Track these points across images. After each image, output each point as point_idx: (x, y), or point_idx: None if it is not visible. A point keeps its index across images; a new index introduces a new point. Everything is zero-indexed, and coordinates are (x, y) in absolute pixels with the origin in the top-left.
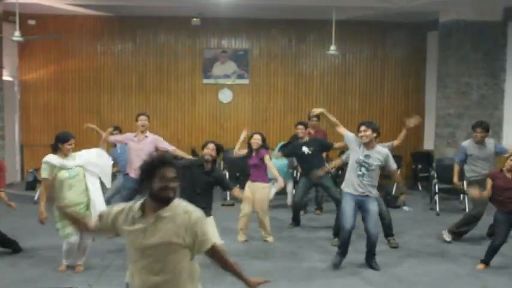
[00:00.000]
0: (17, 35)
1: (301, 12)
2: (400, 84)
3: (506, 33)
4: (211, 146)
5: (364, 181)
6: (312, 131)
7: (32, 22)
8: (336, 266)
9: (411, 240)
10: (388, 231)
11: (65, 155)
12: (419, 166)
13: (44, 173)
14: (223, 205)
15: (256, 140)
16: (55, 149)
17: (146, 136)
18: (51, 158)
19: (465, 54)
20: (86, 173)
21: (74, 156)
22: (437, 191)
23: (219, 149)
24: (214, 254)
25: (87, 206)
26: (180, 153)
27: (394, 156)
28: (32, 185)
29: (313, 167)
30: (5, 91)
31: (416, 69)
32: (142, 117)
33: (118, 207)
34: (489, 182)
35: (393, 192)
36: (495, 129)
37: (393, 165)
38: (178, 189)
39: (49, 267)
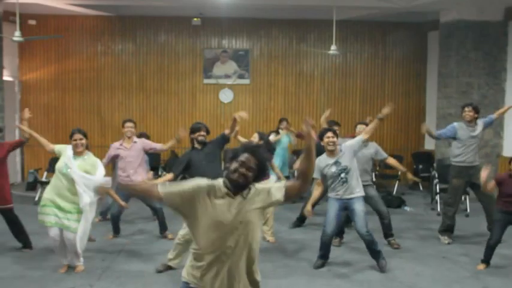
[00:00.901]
0: (17, 35)
1: (302, 12)
2: (400, 84)
3: (507, 32)
4: (203, 128)
5: (350, 185)
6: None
7: (32, 22)
8: (318, 268)
9: (412, 240)
10: (387, 232)
11: (75, 151)
12: (420, 166)
13: (57, 146)
14: None
15: (256, 139)
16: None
17: (135, 142)
18: (67, 147)
19: (466, 54)
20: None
21: (91, 160)
22: (438, 191)
23: (207, 130)
24: (292, 185)
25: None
26: (168, 145)
27: (395, 156)
28: (32, 185)
29: None
30: (6, 91)
31: (417, 69)
32: (128, 124)
33: (191, 184)
34: (493, 183)
35: (394, 193)
36: (496, 129)
37: (380, 155)
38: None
39: (50, 268)
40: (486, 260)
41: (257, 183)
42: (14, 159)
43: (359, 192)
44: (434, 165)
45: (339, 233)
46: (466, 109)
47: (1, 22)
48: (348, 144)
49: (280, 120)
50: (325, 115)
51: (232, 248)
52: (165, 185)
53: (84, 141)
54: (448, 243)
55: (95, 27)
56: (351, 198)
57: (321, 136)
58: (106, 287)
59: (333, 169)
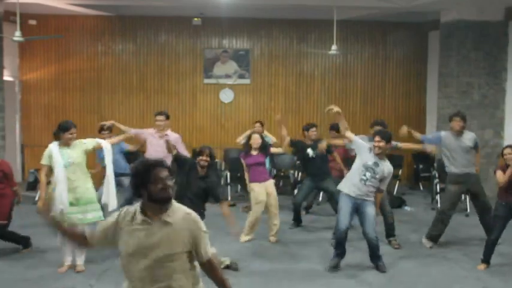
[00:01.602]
0: (17, 35)
1: (303, 12)
2: (401, 84)
3: (507, 32)
4: (206, 152)
5: (366, 186)
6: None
7: (32, 22)
8: (334, 267)
9: (412, 240)
10: (389, 232)
11: (66, 144)
12: (421, 166)
13: (43, 160)
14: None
15: (256, 139)
16: (57, 137)
17: (167, 134)
18: (52, 146)
19: (466, 54)
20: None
21: (75, 146)
22: (438, 191)
23: (212, 156)
24: (209, 267)
25: (101, 208)
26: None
27: (395, 156)
28: (33, 185)
29: (318, 169)
30: (6, 91)
31: (417, 69)
32: (159, 117)
33: (111, 218)
34: (506, 173)
35: (394, 193)
36: (496, 130)
37: (384, 186)
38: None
39: (50, 268)
40: (486, 260)
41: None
42: (15, 159)
43: (372, 198)
44: (435, 165)
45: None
46: (456, 119)
47: (1, 22)
48: (389, 171)
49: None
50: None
51: (157, 275)
52: (91, 231)
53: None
54: (431, 247)
55: (95, 27)
56: (364, 200)
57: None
58: (107, 286)
59: (370, 162)
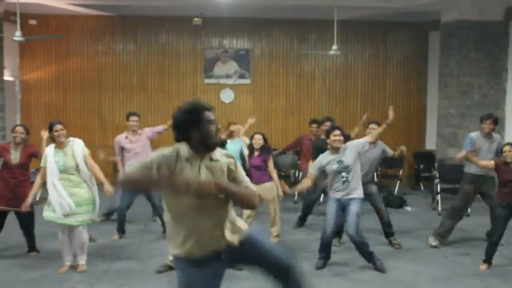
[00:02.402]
0: (18, 35)
1: (303, 12)
2: (401, 84)
3: (508, 32)
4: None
5: (351, 184)
6: (312, 138)
7: (33, 22)
8: (319, 268)
9: (413, 240)
10: (387, 231)
11: (59, 145)
12: (421, 166)
13: (42, 162)
14: None
15: (258, 139)
16: (53, 139)
17: (139, 134)
18: (48, 148)
19: (467, 54)
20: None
21: (68, 147)
22: (439, 191)
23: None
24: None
25: (94, 204)
26: (169, 123)
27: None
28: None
29: None
30: (6, 91)
31: (418, 69)
32: (133, 118)
33: (149, 161)
34: (491, 164)
35: (395, 193)
36: (497, 130)
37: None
38: None
39: (50, 268)
40: (488, 260)
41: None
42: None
43: (359, 193)
44: (435, 165)
45: (337, 233)
46: (487, 122)
47: (2, 22)
48: (352, 144)
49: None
50: (363, 120)
51: (202, 207)
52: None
53: (65, 131)
54: (435, 247)
55: (95, 27)
56: (349, 199)
57: (327, 134)
58: (107, 287)
59: (335, 166)
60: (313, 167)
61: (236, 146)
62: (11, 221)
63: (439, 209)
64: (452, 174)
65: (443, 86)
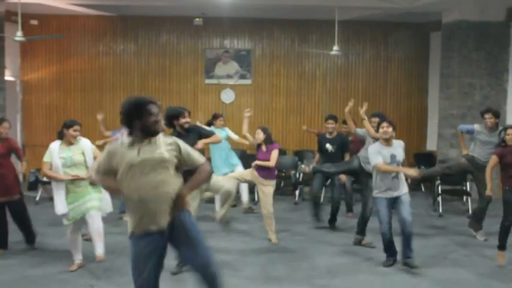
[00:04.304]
0: (19, 35)
1: (304, 12)
2: (403, 85)
3: (509, 33)
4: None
5: (400, 180)
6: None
7: (34, 22)
8: (389, 266)
9: (414, 240)
10: (361, 228)
11: (69, 142)
12: (422, 167)
13: (45, 157)
14: None
15: (257, 134)
16: (60, 136)
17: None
18: (53, 144)
19: (468, 55)
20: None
21: (77, 144)
22: (440, 192)
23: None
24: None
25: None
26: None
27: None
28: (34, 185)
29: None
30: (7, 91)
31: (419, 70)
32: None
33: (106, 151)
34: (493, 159)
35: None
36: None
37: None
38: None
39: (51, 268)
40: (502, 245)
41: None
42: (16, 159)
43: (406, 189)
44: (436, 166)
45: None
46: (487, 115)
47: (3, 22)
48: (401, 143)
49: (216, 117)
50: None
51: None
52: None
53: (79, 133)
54: (485, 240)
55: (96, 27)
56: (398, 196)
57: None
58: (110, 283)
59: (388, 160)
60: (376, 157)
61: (222, 133)
62: (10, 222)
63: (440, 210)
64: (453, 176)
65: (445, 87)
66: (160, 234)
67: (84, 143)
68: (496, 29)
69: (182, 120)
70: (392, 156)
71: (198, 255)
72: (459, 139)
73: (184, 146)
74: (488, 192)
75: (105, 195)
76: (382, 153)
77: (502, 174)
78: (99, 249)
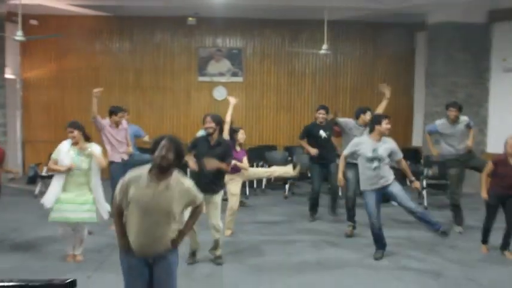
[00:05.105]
0: (19, 35)
1: (294, 12)
2: (389, 83)
3: (490, 34)
4: (207, 119)
5: (381, 169)
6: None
7: (33, 22)
8: (379, 259)
9: (400, 233)
10: (350, 215)
11: (74, 142)
12: (408, 162)
13: (54, 154)
14: None
15: (242, 134)
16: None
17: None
18: (62, 143)
19: (452, 54)
20: (93, 166)
21: (86, 147)
22: (425, 186)
23: (217, 120)
24: (194, 212)
25: (93, 201)
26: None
27: None
28: (33, 179)
29: (327, 151)
30: (8, 88)
31: (405, 69)
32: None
33: (127, 179)
34: (489, 165)
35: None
36: (480, 127)
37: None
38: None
39: (49, 260)
40: (485, 240)
41: (183, 178)
42: (16, 154)
43: (392, 179)
44: (422, 161)
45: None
46: (452, 109)
47: (4, 22)
48: (391, 142)
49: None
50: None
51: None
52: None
53: (75, 133)
54: (460, 232)
55: (93, 27)
56: (386, 186)
57: (379, 120)
58: (103, 277)
59: (369, 153)
60: (348, 149)
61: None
62: (9, 214)
63: (425, 203)
64: (438, 170)
65: (430, 85)
66: (145, 261)
67: (95, 149)
68: (478, 30)
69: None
70: (375, 151)
71: None
72: (427, 141)
73: (194, 192)
74: (483, 194)
75: (102, 202)
76: (365, 145)
77: (491, 179)
78: (78, 251)
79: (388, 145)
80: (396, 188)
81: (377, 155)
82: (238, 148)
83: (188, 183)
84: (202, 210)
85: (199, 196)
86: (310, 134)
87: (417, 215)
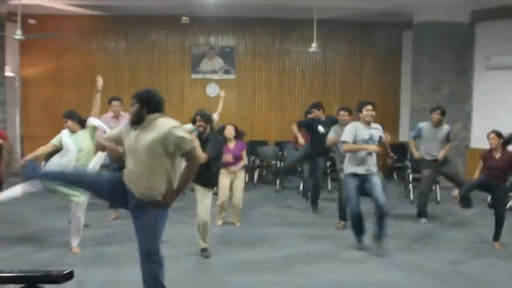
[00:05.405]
0: (18, 34)
1: (285, 11)
2: (377, 81)
3: (474, 34)
4: (197, 117)
5: (372, 159)
6: None
7: (32, 22)
8: (361, 248)
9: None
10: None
11: (71, 132)
12: (395, 157)
13: (53, 140)
14: None
15: (229, 130)
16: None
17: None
18: (64, 132)
19: (437, 53)
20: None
21: (79, 134)
22: (411, 180)
23: (206, 118)
24: (189, 160)
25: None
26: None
27: None
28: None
29: (322, 147)
30: (7, 86)
31: (392, 67)
32: (115, 103)
33: (121, 128)
34: (480, 163)
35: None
36: (465, 123)
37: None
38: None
39: (46, 252)
40: (464, 193)
41: (165, 119)
42: (15, 149)
43: (375, 170)
44: (408, 156)
45: (343, 215)
46: (435, 113)
47: (4, 22)
48: (378, 126)
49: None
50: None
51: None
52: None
53: (69, 123)
54: (425, 224)
55: (90, 26)
56: (369, 174)
57: (360, 108)
58: (100, 269)
59: (366, 136)
60: (348, 136)
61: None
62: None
63: (411, 197)
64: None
65: (416, 82)
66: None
67: (91, 121)
68: (462, 29)
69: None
70: (370, 135)
71: (140, 247)
72: (410, 145)
73: (179, 133)
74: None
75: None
76: (361, 130)
77: (483, 169)
78: (74, 243)
79: (378, 131)
80: (377, 180)
81: (372, 137)
82: (232, 144)
83: (172, 123)
84: (199, 160)
85: (188, 139)
86: (309, 128)
87: (381, 213)
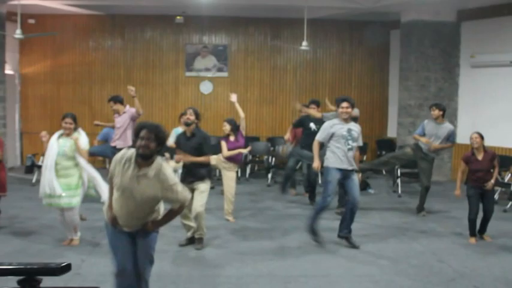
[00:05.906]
0: (18, 33)
1: (276, 11)
2: (366, 78)
3: (459, 32)
4: (189, 111)
5: (352, 155)
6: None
7: (31, 21)
8: (318, 240)
9: (375, 219)
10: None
11: (66, 133)
12: (384, 152)
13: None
14: None
15: (224, 126)
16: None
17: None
18: (55, 134)
19: (424, 51)
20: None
21: (76, 137)
22: (399, 175)
23: (197, 113)
24: (175, 207)
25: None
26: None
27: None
28: (30, 169)
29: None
30: (7, 83)
31: (380, 64)
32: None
33: (115, 159)
34: (462, 165)
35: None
36: (451, 119)
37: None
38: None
39: (45, 245)
40: (472, 233)
41: (167, 169)
42: (14, 145)
43: (354, 166)
44: (396, 151)
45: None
46: (434, 108)
47: (4, 22)
48: (358, 128)
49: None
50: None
51: (132, 205)
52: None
53: (72, 125)
54: (424, 216)
55: (87, 25)
56: (350, 170)
57: (337, 105)
58: (97, 261)
59: (344, 132)
60: (321, 134)
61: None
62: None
63: (399, 191)
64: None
65: (403, 80)
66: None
67: (82, 136)
68: (448, 28)
69: None
70: (349, 130)
71: (137, 265)
72: (417, 139)
73: (176, 194)
74: (456, 192)
75: (101, 182)
76: (339, 126)
77: (468, 176)
78: (75, 236)
79: (357, 129)
80: (354, 177)
81: (351, 134)
82: (232, 137)
83: (173, 180)
84: (180, 212)
85: (182, 199)
86: (302, 125)
87: (353, 207)
